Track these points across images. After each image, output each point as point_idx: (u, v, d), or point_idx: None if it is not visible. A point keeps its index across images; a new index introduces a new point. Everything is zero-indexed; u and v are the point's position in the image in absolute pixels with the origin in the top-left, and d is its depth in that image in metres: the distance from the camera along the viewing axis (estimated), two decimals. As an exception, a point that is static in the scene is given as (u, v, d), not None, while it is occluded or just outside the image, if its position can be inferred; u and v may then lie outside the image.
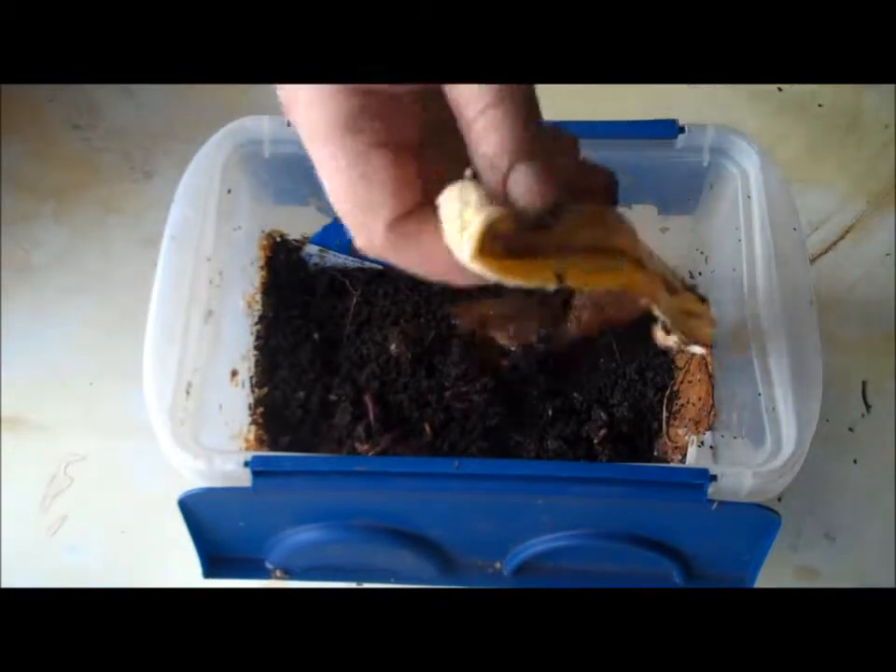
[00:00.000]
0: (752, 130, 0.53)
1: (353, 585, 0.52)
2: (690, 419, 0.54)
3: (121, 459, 0.61)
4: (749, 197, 0.50)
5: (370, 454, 0.52)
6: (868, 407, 0.62)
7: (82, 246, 0.70)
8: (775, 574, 0.56)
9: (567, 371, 0.57)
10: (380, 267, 0.60)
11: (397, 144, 0.33)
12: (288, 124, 0.48)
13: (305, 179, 0.47)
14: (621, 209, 0.55)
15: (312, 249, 0.60)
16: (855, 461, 0.60)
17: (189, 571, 0.48)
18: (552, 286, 0.33)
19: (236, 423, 0.54)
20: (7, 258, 0.69)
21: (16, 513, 0.59)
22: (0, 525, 0.58)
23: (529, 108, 0.31)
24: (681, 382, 0.56)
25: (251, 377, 0.56)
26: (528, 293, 0.62)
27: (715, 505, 0.42)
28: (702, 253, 0.58)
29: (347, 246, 0.59)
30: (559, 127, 0.36)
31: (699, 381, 0.55)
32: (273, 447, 0.54)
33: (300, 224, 0.59)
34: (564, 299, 0.60)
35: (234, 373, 0.54)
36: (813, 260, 0.67)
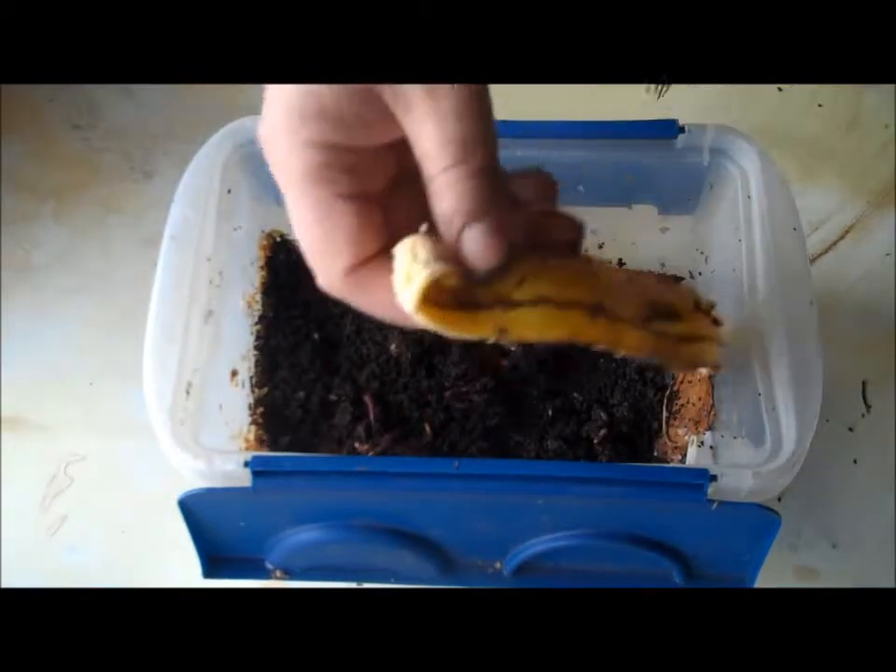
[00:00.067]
0: (752, 130, 0.53)
1: (353, 585, 0.52)
2: (690, 419, 0.54)
3: (121, 459, 0.61)
4: (749, 197, 0.50)
5: (370, 454, 0.52)
6: (868, 407, 0.62)
7: (82, 246, 0.70)
8: (775, 574, 0.56)
9: (567, 371, 0.57)
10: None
11: (363, 195, 0.34)
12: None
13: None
14: (623, 209, 0.56)
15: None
16: (855, 461, 0.60)
17: (189, 571, 0.48)
18: (493, 339, 0.35)
19: (236, 423, 0.54)
20: (7, 258, 0.69)
21: (16, 513, 0.59)
22: (0, 524, 0.58)
23: (488, 170, 0.33)
24: (681, 382, 0.56)
25: (251, 377, 0.56)
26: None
27: (715, 505, 0.42)
28: (702, 253, 0.58)
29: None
30: (540, 171, 0.37)
31: (699, 381, 0.55)
32: (273, 447, 0.54)
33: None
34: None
35: (234, 373, 0.54)
36: (813, 260, 0.67)
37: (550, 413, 0.55)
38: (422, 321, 0.33)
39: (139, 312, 0.47)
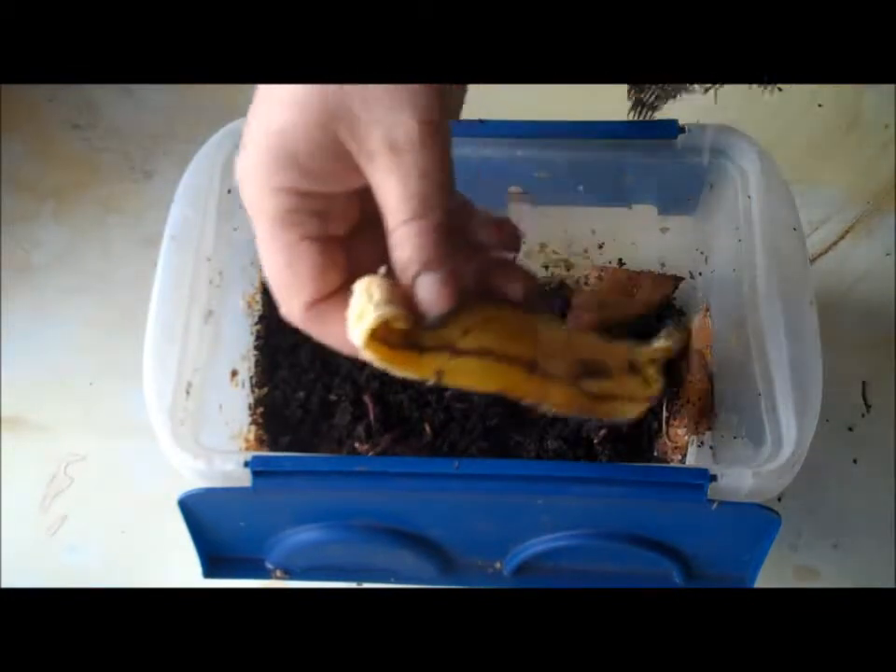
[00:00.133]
0: (752, 130, 0.53)
1: (353, 585, 0.52)
2: (690, 419, 0.54)
3: (121, 459, 0.61)
4: (749, 197, 0.50)
5: (370, 454, 0.52)
6: (868, 407, 0.62)
7: (82, 246, 0.70)
8: (775, 574, 0.56)
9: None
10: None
11: (327, 238, 0.36)
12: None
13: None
14: (623, 209, 0.56)
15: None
16: (855, 461, 0.60)
17: (189, 571, 0.48)
18: (431, 381, 0.38)
19: (236, 423, 0.54)
20: (7, 258, 0.69)
21: (16, 513, 0.59)
22: (0, 524, 0.58)
23: (444, 225, 0.35)
24: (681, 382, 0.56)
25: (251, 377, 0.56)
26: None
27: (715, 505, 0.42)
28: (702, 253, 0.58)
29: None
30: (509, 221, 0.41)
31: (699, 381, 0.55)
32: (273, 447, 0.54)
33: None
34: (564, 298, 0.60)
35: (234, 373, 0.54)
36: (813, 260, 0.67)
37: (550, 412, 0.55)
38: (368, 357, 0.36)
39: (139, 312, 0.47)
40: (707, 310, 0.56)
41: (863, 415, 0.62)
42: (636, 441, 0.55)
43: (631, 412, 0.44)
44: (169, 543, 0.53)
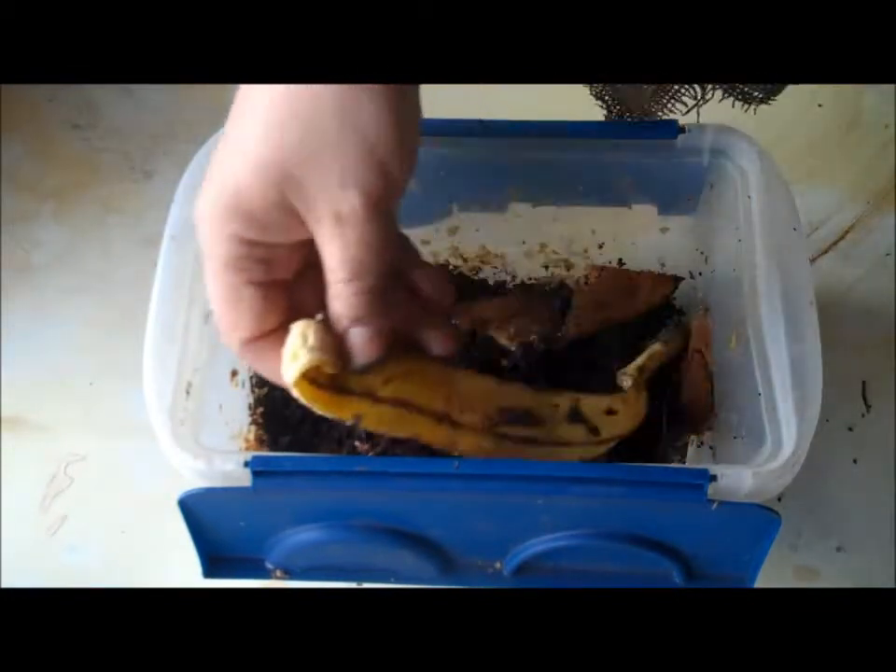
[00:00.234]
0: (752, 130, 0.53)
1: (353, 585, 0.52)
2: (690, 419, 0.54)
3: (121, 459, 0.61)
4: (749, 197, 0.50)
5: (370, 454, 0.52)
6: (868, 407, 0.62)
7: (82, 246, 0.70)
8: (775, 574, 0.56)
9: (567, 371, 0.57)
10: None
11: (270, 283, 0.40)
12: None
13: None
14: (623, 209, 0.56)
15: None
16: (855, 461, 0.60)
17: (189, 571, 0.48)
18: (350, 423, 0.42)
19: (236, 423, 0.54)
20: (7, 258, 0.69)
21: (16, 513, 0.59)
22: (0, 524, 0.58)
23: (377, 288, 0.39)
24: (681, 382, 0.56)
25: (251, 377, 0.56)
26: (528, 294, 0.62)
27: (715, 505, 0.42)
28: (702, 253, 0.58)
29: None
30: (444, 271, 0.47)
31: (699, 381, 0.55)
32: (273, 447, 0.54)
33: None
34: (564, 298, 0.60)
35: (234, 373, 0.54)
36: (813, 260, 0.67)
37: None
38: (296, 394, 0.40)
39: (139, 312, 0.47)
40: (707, 310, 0.56)
41: (863, 415, 0.62)
42: (635, 441, 0.55)
43: (570, 457, 0.47)
44: (169, 543, 0.53)
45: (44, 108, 0.76)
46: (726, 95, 0.51)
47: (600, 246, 0.61)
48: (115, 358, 0.63)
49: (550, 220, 0.59)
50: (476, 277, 0.63)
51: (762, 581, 0.46)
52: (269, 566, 0.48)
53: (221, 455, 0.43)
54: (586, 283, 0.59)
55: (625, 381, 0.53)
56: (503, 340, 0.56)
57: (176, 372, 0.45)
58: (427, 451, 0.46)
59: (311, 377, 0.40)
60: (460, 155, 0.53)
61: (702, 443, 0.54)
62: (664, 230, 0.59)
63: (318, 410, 0.41)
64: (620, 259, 0.61)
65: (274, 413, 0.56)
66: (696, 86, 0.51)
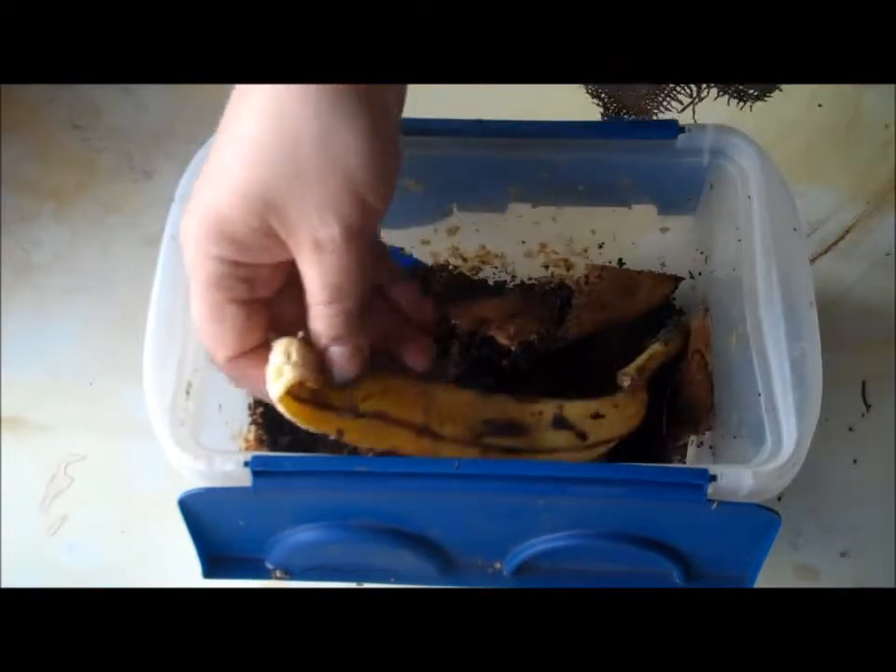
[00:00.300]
0: (752, 130, 0.53)
1: (353, 585, 0.52)
2: (690, 419, 0.54)
3: (121, 459, 0.61)
4: (749, 197, 0.50)
5: (369, 454, 0.52)
6: (868, 407, 0.62)
7: (82, 246, 0.70)
8: (775, 574, 0.56)
9: (567, 372, 0.57)
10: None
11: (252, 301, 0.41)
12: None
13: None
14: (623, 209, 0.57)
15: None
16: (855, 461, 0.60)
17: (189, 571, 0.48)
18: (333, 436, 0.43)
19: (236, 423, 0.54)
20: (7, 258, 0.69)
21: (16, 513, 0.59)
22: (0, 524, 0.58)
23: (354, 310, 0.40)
24: (681, 382, 0.56)
25: (251, 377, 0.56)
26: (528, 294, 0.62)
27: (715, 505, 0.42)
28: (702, 253, 0.58)
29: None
30: (416, 287, 0.47)
31: (699, 381, 0.55)
32: (273, 447, 0.54)
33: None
34: (564, 298, 0.60)
35: (234, 373, 0.54)
36: (813, 260, 0.67)
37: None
38: (281, 409, 0.42)
39: (139, 312, 0.47)
40: (707, 310, 0.56)
41: (863, 415, 0.62)
42: (635, 441, 0.55)
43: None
44: (169, 543, 0.53)
45: (44, 108, 0.76)
46: (721, 93, 0.51)
47: (600, 246, 0.61)
48: (115, 358, 0.63)
49: (550, 220, 0.59)
50: (476, 277, 0.63)
51: (762, 581, 0.46)
52: (269, 566, 0.48)
53: (221, 455, 0.43)
54: (586, 283, 0.59)
55: (625, 381, 0.54)
56: (503, 340, 0.56)
57: (176, 372, 0.45)
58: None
59: (294, 393, 0.41)
60: (460, 155, 0.53)
61: (702, 443, 0.54)
62: (664, 230, 0.59)
63: (302, 424, 0.42)
64: (620, 259, 0.61)
65: (274, 413, 0.55)
66: (692, 84, 0.51)
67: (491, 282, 0.63)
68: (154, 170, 0.73)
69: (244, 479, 0.42)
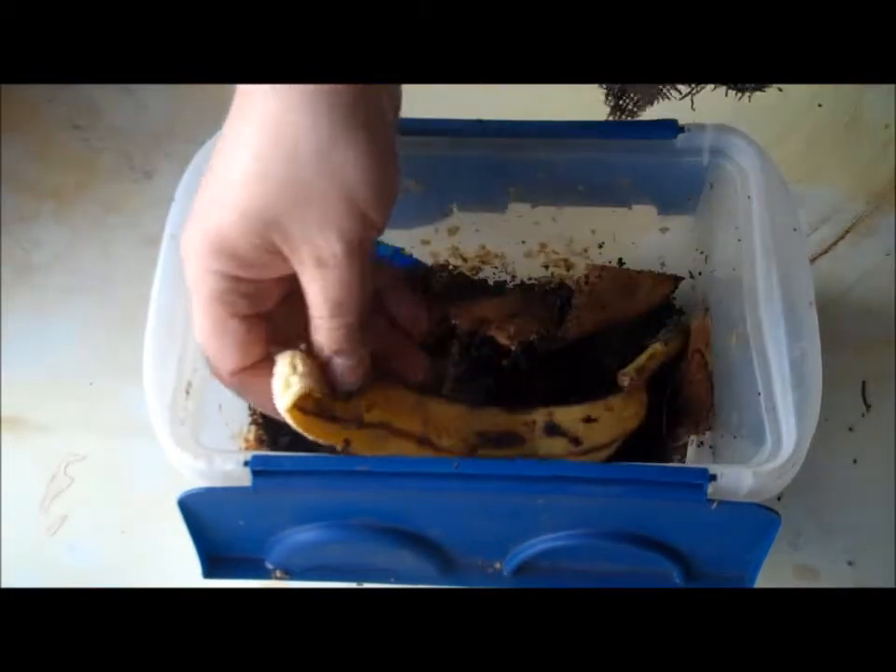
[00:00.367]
0: (752, 130, 0.53)
1: (353, 585, 0.52)
2: (690, 419, 0.54)
3: (121, 459, 0.61)
4: (749, 197, 0.50)
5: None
6: (868, 407, 0.62)
7: (82, 246, 0.70)
8: (775, 574, 0.56)
9: (567, 371, 0.57)
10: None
11: (253, 315, 0.41)
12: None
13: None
14: (623, 209, 0.57)
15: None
16: (855, 461, 0.60)
17: (189, 571, 0.48)
18: (340, 448, 0.44)
19: (236, 423, 0.54)
20: (7, 258, 0.69)
21: (16, 513, 0.59)
22: (0, 524, 0.58)
23: (355, 324, 0.41)
24: (681, 382, 0.56)
25: (251, 377, 0.56)
26: (528, 294, 0.62)
27: (715, 505, 0.42)
28: (702, 253, 0.58)
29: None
30: (415, 301, 0.48)
31: (699, 381, 0.55)
32: (273, 447, 0.54)
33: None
34: (564, 298, 0.60)
35: (234, 373, 0.54)
36: (813, 260, 0.67)
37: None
38: (289, 420, 0.42)
39: (139, 312, 0.47)
40: (707, 310, 0.56)
41: (863, 415, 0.62)
42: (635, 441, 0.55)
43: None
44: (169, 543, 0.53)
45: (44, 108, 0.76)
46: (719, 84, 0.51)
47: (600, 246, 0.61)
48: (115, 358, 0.63)
49: (550, 220, 0.59)
50: (476, 277, 0.63)
51: (762, 581, 0.46)
52: (269, 566, 0.48)
53: (221, 454, 0.43)
54: (586, 283, 0.59)
55: (625, 381, 0.54)
56: (503, 340, 0.56)
57: (176, 372, 0.45)
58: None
59: (301, 405, 0.42)
60: (460, 155, 0.53)
61: (702, 443, 0.54)
62: (664, 230, 0.59)
63: (309, 436, 0.43)
64: (620, 259, 0.61)
65: (274, 412, 0.56)
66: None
67: (491, 282, 0.63)
68: (154, 170, 0.73)
69: (243, 479, 0.42)
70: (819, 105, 0.75)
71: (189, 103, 0.76)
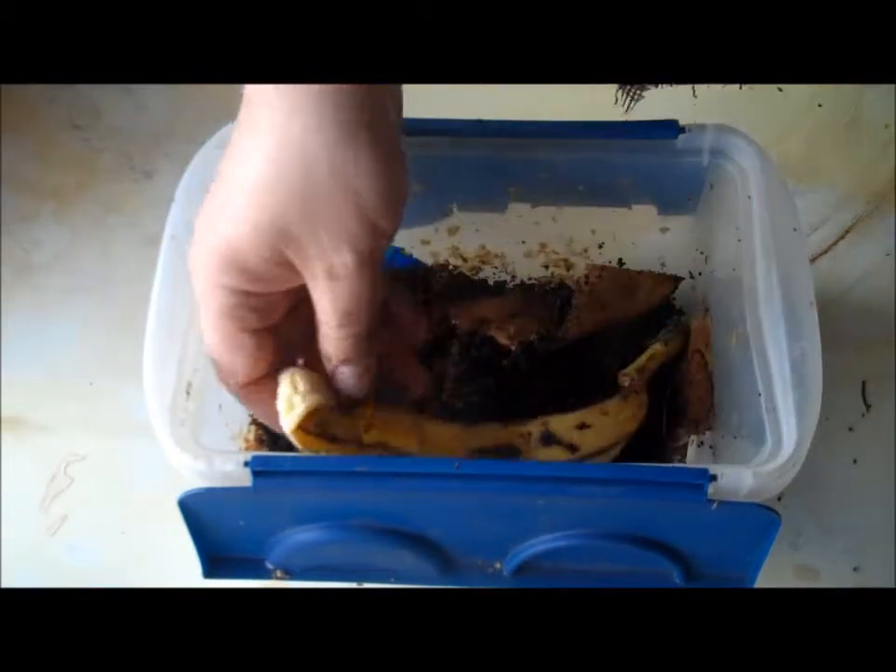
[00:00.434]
0: (752, 130, 0.53)
1: (353, 585, 0.52)
2: (690, 419, 0.54)
3: (121, 459, 0.60)
4: (749, 197, 0.50)
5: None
6: (868, 407, 0.62)
7: (82, 246, 0.70)
8: (775, 574, 0.56)
9: (567, 371, 0.57)
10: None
11: (262, 329, 0.42)
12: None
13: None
14: (623, 209, 0.57)
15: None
16: (855, 461, 0.60)
17: (189, 571, 0.48)
18: None
19: (236, 423, 0.54)
20: (7, 258, 0.69)
21: (16, 513, 0.59)
22: (0, 524, 0.58)
23: (363, 333, 0.41)
24: (681, 382, 0.56)
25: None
26: (528, 294, 0.62)
27: (715, 505, 0.42)
28: (702, 253, 0.58)
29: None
30: (417, 311, 0.48)
31: (699, 381, 0.55)
32: (273, 447, 0.54)
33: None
34: (564, 298, 0.60)
35: (234, 373, 0.54)
36: (813, 260, 0.67)
37: (550, 413, 0.55)
38: (293, 440, 0.43)
39: (139, 312, 0.47)
40: (707, 310, 0.56)
41: (863, 415, 0.62)
42: (635, 441, 0.55)
43: None
44: (169, 543, 0.53)
45: (44, 108, 0.76)
46: None
47: (600, 246, 0.61)
48: (115, 358, 0.63)
49: (550, 220, 0.59)
50: (476, 277, 0.63)
51: (762, 581, 0.46)
52: (269, 566, 0.48)
53: (221, 455, 0.43)
54: (586, 283, 0.59)
55: (625, 381, 0.54)
56: (503, 340, 0.56)
57: (176, 372, 0.45)
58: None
59: (304, 427, 0.42)
60: (460, 155, 0.53)
61: (702, 443, 0.54)
62: (664, 230, 0.59)
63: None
64: (620, 259, 0.61)
65: (274, 413, 0.55)
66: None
67: (491, 282, 0.63)
68: (154, 170, 0.73)
69: (244, 479, 0.42)
70: (819, 105, 0.75)
71: (189, 103, 0.76)
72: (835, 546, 0.58)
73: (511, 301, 0.60)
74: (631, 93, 0.52)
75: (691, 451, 0.54)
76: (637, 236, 0.60)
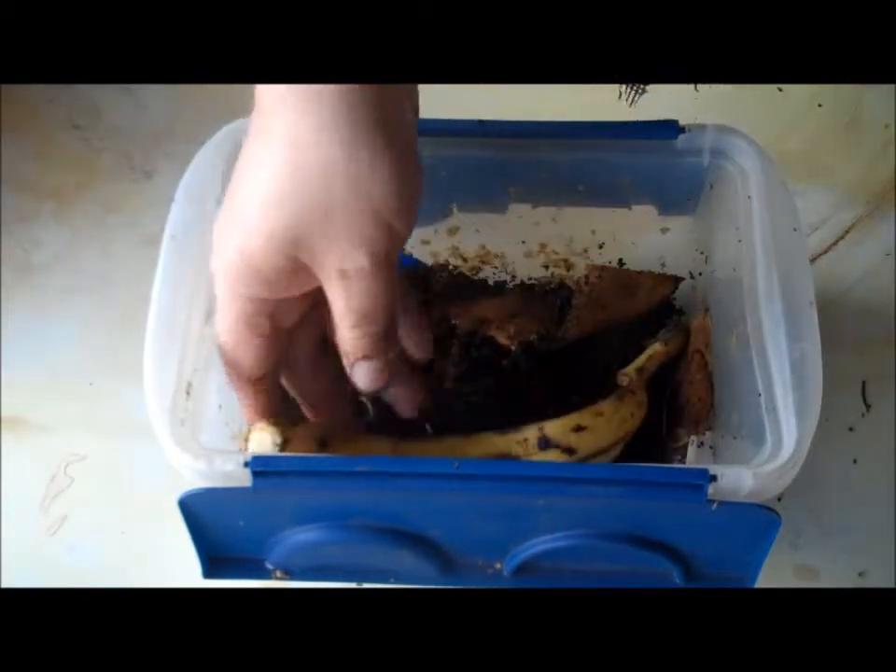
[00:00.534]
0: (752, 130, 0.53)
1: (353, 585, 0.52)
2: (690, 419, 0.54)
3: (121, 459, 0.61)
4: (749, 197, 0.50)
5: (369, 453, 0.52)
6: (868, 407, 0.62)
7: (82, 246, 0.70)
8: (775, 574, 0.56)
9: (567, 371, 0.57)
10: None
11: (274, 332, 0.43)
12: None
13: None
14: (623, 209, 0.57)
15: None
16: (855, 461, 0.60)
17: (189, 571, 0.48)
18: None
19: (236, 423, 0.54)
20: (7, 258, 0.69)
21: (16, 513, 0.59)
22: (0, 524, 0.58)
23: (379, 333, 0.42)
24: (681, 382, 0.56)
25: (251, 377, 0.56)
26: (528, 294, 0.62)
27: (715, 505, 0.42)
28: (702, 253, 0.58)
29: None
30: (424, 326, 0.50)
31: (699, 381, 0.55)
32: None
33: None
34: (564, 298, 0.60)
35: (234, 373, 0.54)
36: (813, 260, 0.67)
37: (550, 413, 0.55)
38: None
39: (139, 312, 0.47)
40: (707, 310, 0.56)
41: (863, 415, 0.62)
42: (636, 442, 0.55)
43: None
44: (169, 543, 0.53)
45: (44, 108, 0.76)
46: None
47: (600, 246, 0.61)
48: (115, 358, 0.63)
49: (550, 220, 0.59)
50: (476, 277, 0.63)
51: (762, 581, 0.46)
52: (269, 566, 0.48)
53: (221, 455, 0.43)
54: (586, 283, 0.59)
55: (625, 381, 0.54)
56: (503, 340, 0.56)
57: (176, 372, 0.45)
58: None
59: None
60: (460, 155, 0.53)
61: (702, 443, 0.54)
62: (664, 230, 0.59)
63: None
64: (620, 259, 0.61)
65: (274, 413, 0.55)
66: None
67: (491, 282, 0.63)
68: (154, 170, 0.73)
69: (244, 479, 0.42)
70: (819, 105, 0.75)
71: (189, 103, 0.76)
72: (835, 546, 0.58)
73: (511, 300, 0.60)
74: (635, 87, 0.52)
75: (691, 451, 0.54)
76: (636, 236, 0.60)
